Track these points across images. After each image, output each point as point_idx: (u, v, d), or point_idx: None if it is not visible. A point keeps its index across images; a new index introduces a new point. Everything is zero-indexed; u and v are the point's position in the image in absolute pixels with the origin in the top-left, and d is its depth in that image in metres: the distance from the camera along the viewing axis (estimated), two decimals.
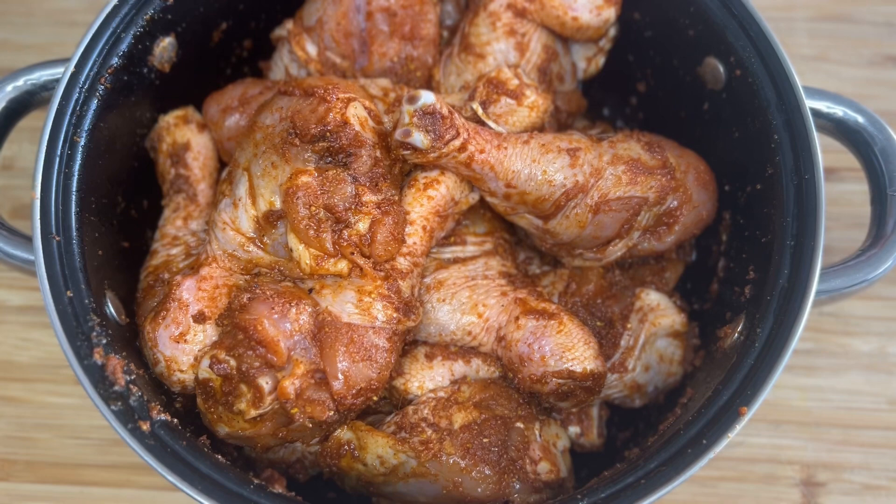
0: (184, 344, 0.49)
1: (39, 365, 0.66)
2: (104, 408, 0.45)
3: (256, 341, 0.47)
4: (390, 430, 0.51)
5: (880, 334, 0.67)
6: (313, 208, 0.48)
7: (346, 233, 0.48)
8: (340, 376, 0.48)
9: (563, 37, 0.58)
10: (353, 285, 0.49)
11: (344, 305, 0.49)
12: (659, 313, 0.55)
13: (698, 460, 0.44)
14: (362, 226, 0.49)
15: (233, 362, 0.47)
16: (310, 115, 0.49)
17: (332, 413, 0.48)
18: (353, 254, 0.49)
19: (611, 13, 0.56)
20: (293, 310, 0.48)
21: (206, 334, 0.50)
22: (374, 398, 0.50)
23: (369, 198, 0.49)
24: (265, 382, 0.47)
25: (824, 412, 0.65)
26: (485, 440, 0.50)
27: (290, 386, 0.47)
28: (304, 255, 0.49)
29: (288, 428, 0.49)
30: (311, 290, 0.50)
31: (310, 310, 0.49)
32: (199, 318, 0.50)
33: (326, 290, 0.49)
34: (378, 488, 0.51)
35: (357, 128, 0.49)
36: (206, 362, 0.49)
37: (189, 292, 0.50)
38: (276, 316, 0.48)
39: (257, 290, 0.49)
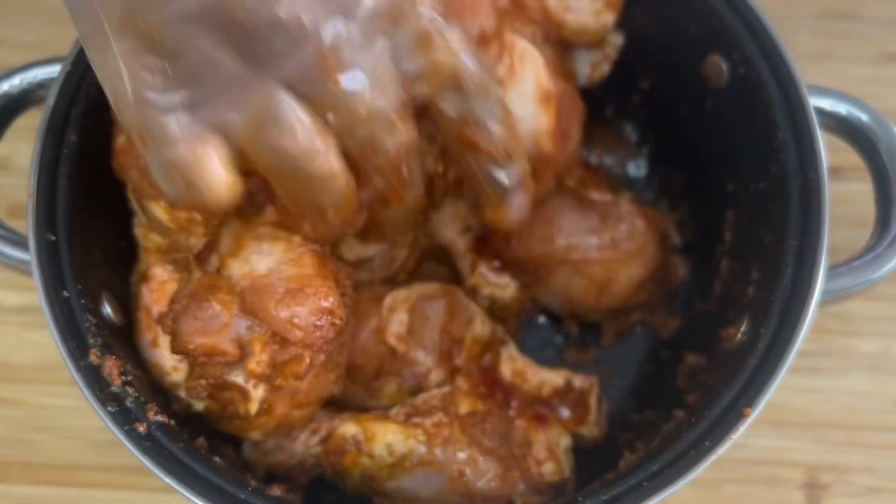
0: (159, 349, 0.48)
1: (36, 366, 0.65)
2: (100, 409, 0.44)
3: (204, 356, 0.45)
4: (400, 419, 0.50)
5: (885, 335, 0.66)
6: (140, 161, 0.46)
7: None
8: (292, 328, 0.45)
9: (562, 40, 0.56)
10: (242, 235, 0.47)
11: (249, 263, 0.46)
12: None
13: (701, 462, 0.44)
14: None
15: (203, 382, 0.46)
16: None
17: (309, 357, 0.46)
18: None
19: (609, 19, 0.55)
20: (211, 304, 0.45)
21: None
22: (337, 321, 0.46)
23: None
24: (237, 377, 0.45)
25: (828, 413, 0.64)
26: (487, 426, 0.49)
27: (258, 367, 0.45)
28: (158, 212, 0.47)
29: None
30: (218, 271, 0.47)
31: (225, 294, 0.46)
32: (160, 320, 0.48)
33: (230, 259, 0.47)
34: (381, 484, 0.50)
35: None
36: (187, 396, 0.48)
37: (147, 297, 0.50)
38: (200, 323, 0.45)
39: (175, 306, 0.46)
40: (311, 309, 0.46)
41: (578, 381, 0.56)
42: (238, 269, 0.46)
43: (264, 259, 0.46)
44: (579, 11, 0.54)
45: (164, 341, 0.48)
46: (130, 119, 0.37)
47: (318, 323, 0.46)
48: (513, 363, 0.56)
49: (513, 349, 0.57)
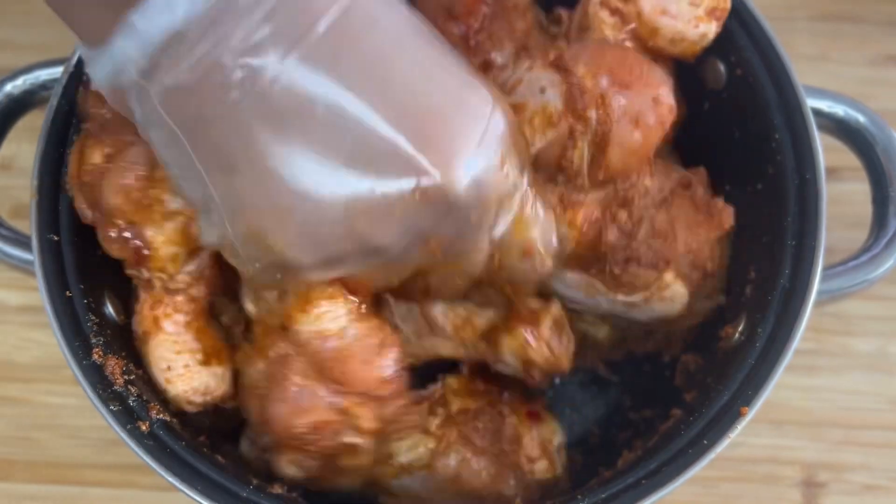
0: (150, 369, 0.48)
1: (39, 365, 0.66)
2: (103, 408, 0.45)
3: (313, 434, 0.44)
4: None
5: (881, 334, 0.66)
6: (69, 191, 0.46)
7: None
8: (384, 386, 0.44)
9: (655, 51, 0.52)
10: (311, 291, 0.44)
11: (320, 323, 0.44)
12: None
13: (699, 460, 0.44)
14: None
15: (315, 457, 0.45)
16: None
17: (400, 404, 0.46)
18: None
19: (710, 30, 0.50)
20: (291, 379, 0.44)
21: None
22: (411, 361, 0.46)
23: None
24: (352, 437, 0.45)
25: (825, 412, 0.65)
26: (479, 424, 0.50)
27: (369, 423, 0.44)
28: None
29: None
30: (284, 327, 0.45)
31: (301, 363, 0.44)
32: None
33: (298, 314, 0.45)
34: (386, 483, 0.50)
35: None
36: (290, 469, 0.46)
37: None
38: (291, 405, 0.43)
39: (257, 392, 0.45)
40: (392, 361, 0.44)
41: (533, 302, 0.50)
42: (308, 326, 0.44)
43: (336, 318, 0.44)
44: (677, 17, 0.49)
45: (152, 359, 0.47)
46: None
47: (397, 374, 0.44)
48: (454, 312, 0.51)
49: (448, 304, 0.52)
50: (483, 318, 0.51)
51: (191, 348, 0.47)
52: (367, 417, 0.45)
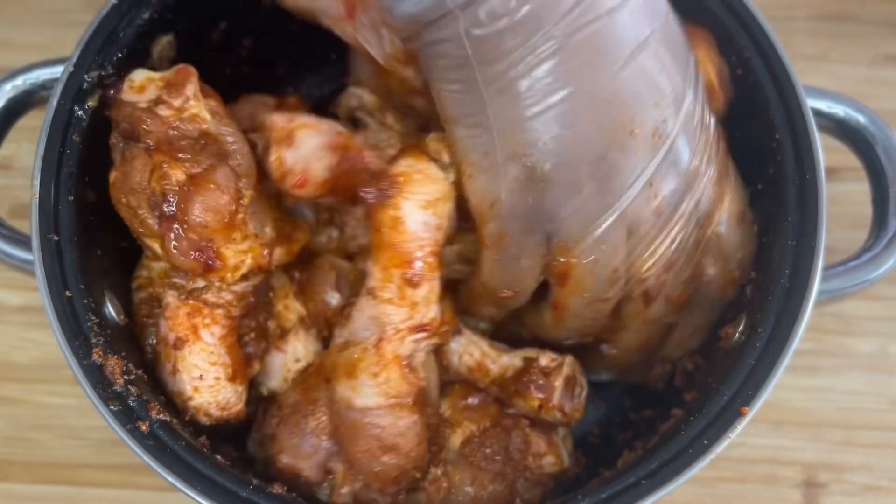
0: (180, 374, 0.48)
1: (38, 365, 0.66)
2: (103, 408, 0.45)
3: (287, 476, 0.47)
4: None
5: (882, 334, 0.66)
6: (123, 199, 0.46)
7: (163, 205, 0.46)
8: (373, 479, 0.47)
9: None
10: (367, 359, 0.46)
11: (359, 389, 0.46)
12: None
13: (699, 461, 0.44)
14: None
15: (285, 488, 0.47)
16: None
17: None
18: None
19: None
20: (308, 423, 0.47)
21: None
22: (418, 475, 0.48)
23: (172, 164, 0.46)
24: (321, 494, 0.47)
25: (825, 412, 0.65)
26: (487, 450, 0.49)
27: (340, 498, 0.47)
28: (155, 247, 0.47)
29: None
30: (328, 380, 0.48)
31: (325, 414, 0.47)
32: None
33: (341, 374, 0.47)
34: None
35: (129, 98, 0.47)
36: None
37: (164, 328, 0.49)
38: (294, 440, 0.47)
39: (282, 412, 0.48)
40: (394, 468, 0.46)
41: (545, 359, 0.51)
42: (343, 391, 0.46)
43: (370, 396, 0.46)
44: None
45: (183, 365, 0.48)
46: (499, 223, 0.45)
47: (396, 478, 0.47)
48: (469, 354, 0.52)
49: (468, 334, 0.52)
50: (496, 366, 0.51)
51: (224, 362, 0.48)
52: (341, 491, 0.47)
